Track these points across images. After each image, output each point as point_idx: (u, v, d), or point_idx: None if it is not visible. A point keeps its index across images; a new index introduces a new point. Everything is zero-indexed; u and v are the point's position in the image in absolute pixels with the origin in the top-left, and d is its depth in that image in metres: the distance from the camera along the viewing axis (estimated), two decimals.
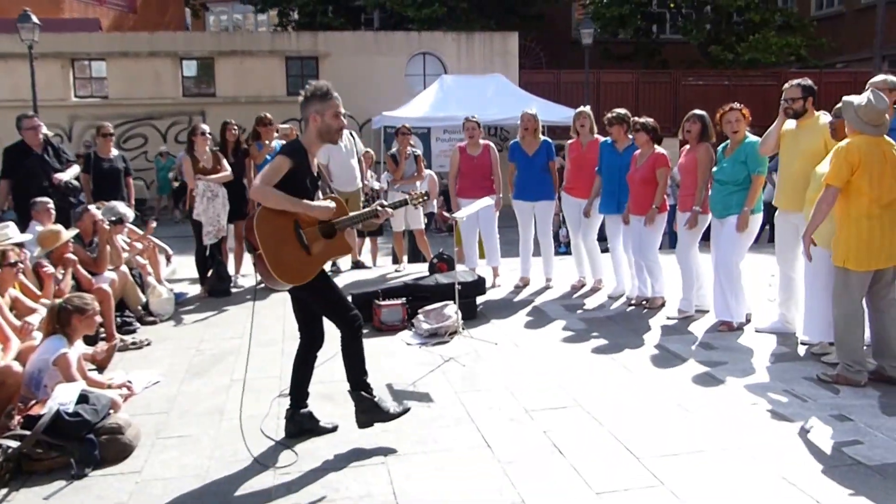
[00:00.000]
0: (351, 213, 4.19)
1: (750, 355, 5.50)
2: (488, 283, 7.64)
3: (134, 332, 6.38)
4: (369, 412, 4.08)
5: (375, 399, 4.11)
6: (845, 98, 4.76)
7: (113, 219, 6.73)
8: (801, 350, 5.55)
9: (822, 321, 5.22)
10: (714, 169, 6.21)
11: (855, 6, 23.92)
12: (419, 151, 9.37)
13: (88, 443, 3.88)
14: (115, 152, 8.42)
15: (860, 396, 4.58)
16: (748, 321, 6.24)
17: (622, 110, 7.22)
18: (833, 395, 4.63)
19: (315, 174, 4.09)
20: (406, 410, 4.18)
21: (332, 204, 4.01)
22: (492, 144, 8.06)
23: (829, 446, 3.92)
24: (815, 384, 4.82)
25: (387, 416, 4.10)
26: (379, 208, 4.25)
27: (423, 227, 9.14)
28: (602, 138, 7.46)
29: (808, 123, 5.55)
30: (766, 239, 10.53)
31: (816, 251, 5.08)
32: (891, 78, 5.41)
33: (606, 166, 7.21)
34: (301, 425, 4.19)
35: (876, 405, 4.44)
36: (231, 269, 8.34)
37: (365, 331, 6.19)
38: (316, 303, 4.12)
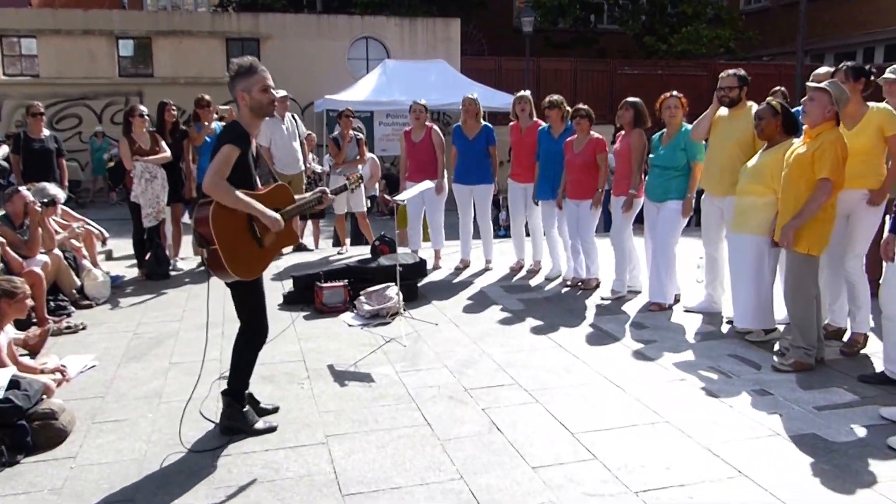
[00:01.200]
0: (297, 200, 4.15)
1: (679, 334, 5.71)
2: (429, 266, 7.72)
3: (68, 315, 6.26)
4: (235, 420, 4.01)
5: (245, 410, 4.05)
6: (830, 85, 4.71)
7: (45, 200, 6.57)
8: (725, 328, 5.79)
9: (751, 309, 5.37)
10: (651, 156, 6.39)
11: (781, 2, 24.76)
12: (361, 135, 9.37)
13: (20, 429, 3.81)
14: (46, 132, 8.21)
15: (780, 372, 4.80)
16: (677, 301, 6.47)
17: (557, 96, 7.33)
18: (755, 372, 4.86)
19: (254, 154, 4.04)
20: (272, 429, 4.06)
21: (281, 219, 3.89)
22: (435, 128, 8.10)
23: (750, 419, 4.11)
24: (739, 361, 5.04)
25: (250, 430, 4.01)
26: (322, 194, 4.25)
27: (365, 210, 9.17)
28: (543, 123, 7.60)
29: (741, 113, 5.74)
30: (694, 223, 10.87)
31: (743, 239, 5.29)
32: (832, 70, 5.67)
33: (544, 153, 7.33)
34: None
35: (794, 380, 4.67)
36: (168, 251, 8.23)
37: (307, 312, 6.34)
38: (239, 298, 4.00)
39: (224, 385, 4.28)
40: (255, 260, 3.89)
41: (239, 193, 3.72)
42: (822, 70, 5.74)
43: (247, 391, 4.17)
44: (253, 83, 3.82)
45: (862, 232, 5.06)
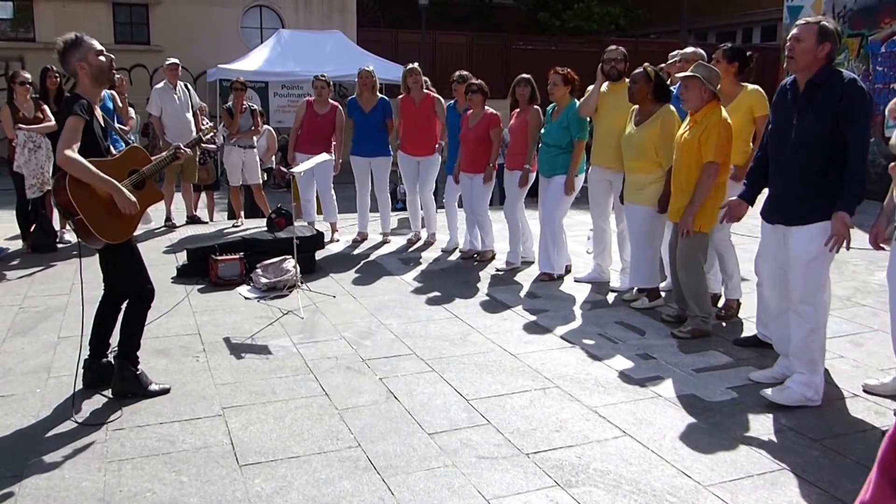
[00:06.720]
0: (154, 160, 4.12)
1: (569, 303, 5.95)
2: (326, 239, 7.71)
3: None
4: (128, 382, 4.04)
5: (138, 373, 4.09)
6: (697, 69, 4.85)
7: None
8: (611, 297, 6.08)
9: (647, 269, 5.66)
10: (542, 130, 6.57)
11: None
12: (256, 105, 9.21)
13: None
14: None
15: (663, 337, 5.11)
16: (568, 272, 6.72)
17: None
18: (639, 337, 5.14)
19: (102, 123, 4.00)
20: (166, 391, 4.12)
21: (134, 199, 3.82)
22: (340, 107, 8.06)
23: (634, 382, 4.36)
24: (624, 328, 5.32)
25: (144, 391, 4.05)
26: (177, 150, 4.23)
27: (260, 182, 9.03)
28: (435, 93, 7.66)
29: (623, 87, 5.96)
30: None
31: (636, 208, 5.56)
32: (700, 50, 5.97)
33: (452, 128, 7.41)
34: (101, 376, 4.11)
35: (675, 345, 4.97)
36: (56, 223, 7.89)
37: (201, 286, 6.23)
38: (117, 263, 4.01)
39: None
40: (121, 222, 3.87)
41: (93, 168, 3.68)
42: (689, 50, 6.03)
43: (105, 359, 4.17)
44: (86, 51, 3.85)
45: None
